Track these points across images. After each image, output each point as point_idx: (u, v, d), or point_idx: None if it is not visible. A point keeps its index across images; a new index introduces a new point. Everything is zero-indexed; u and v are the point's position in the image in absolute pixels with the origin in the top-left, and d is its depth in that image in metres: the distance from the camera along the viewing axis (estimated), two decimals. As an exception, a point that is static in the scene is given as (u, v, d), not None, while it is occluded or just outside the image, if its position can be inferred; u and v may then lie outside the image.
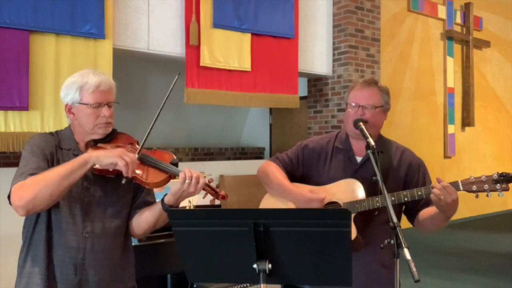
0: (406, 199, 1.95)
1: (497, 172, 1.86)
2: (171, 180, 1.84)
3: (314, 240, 1.46)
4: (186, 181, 1.72)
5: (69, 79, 1.82)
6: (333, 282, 1.54)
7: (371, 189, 2.00)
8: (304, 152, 2.23)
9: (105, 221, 1.81)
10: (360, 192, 2.01)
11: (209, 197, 1.84)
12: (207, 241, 1.51)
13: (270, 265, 1.46)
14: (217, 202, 1.92)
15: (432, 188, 1.87)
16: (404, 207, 2.13)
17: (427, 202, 2.02)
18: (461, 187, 1.88)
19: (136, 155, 1.71)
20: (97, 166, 1.72)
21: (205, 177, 1.82)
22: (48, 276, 1.74)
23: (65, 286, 1.74)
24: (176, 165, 1.83)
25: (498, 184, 1.85)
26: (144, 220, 1.87)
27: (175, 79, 1.83)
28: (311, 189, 2.11)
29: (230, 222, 1.47)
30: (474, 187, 1.88)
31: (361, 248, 2.00)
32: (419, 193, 1.93)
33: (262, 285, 1.47)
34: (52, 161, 1.75)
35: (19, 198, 1.59)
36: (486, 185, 1.86)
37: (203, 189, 1.79)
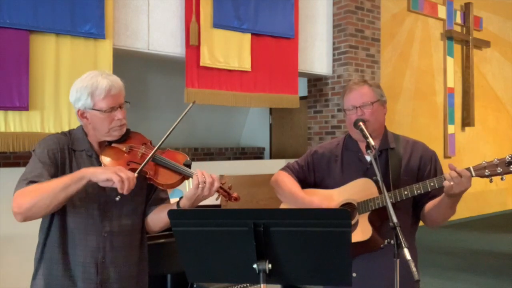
0: (419, 191, 1.92)
1: (510, 155, 1.83)
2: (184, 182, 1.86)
3: (314, 240, 1.46)
4: (200, 186, 1.75)
5: (77, 83, 1.80)
6: (333, 282, 1.54)
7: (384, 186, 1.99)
8: (314, 158, 2.26)
9: (122, 219, 1.84)
10: (372, 190, 2.00)
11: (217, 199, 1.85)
12: (207, 241, 1.51)
13: (270, 265, 1.46)
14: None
15: (445, 178, 1.83)
16: (414, 202, 2.09)
17: (434, 195, 1.99)
18: (473, 173, 1.84)
19: (136, 174, 1.69)
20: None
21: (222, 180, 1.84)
22: (67, 276, 1.76)
23: (88, 285, 1.77)
24: (189, 166, 1.83)
25: None
26: (161, 219, 1.91)
27: (190, 105, 1.83)
28: (323, 196, 2.12)
29: (230, 222, 1.47)
30: (487, 172, 1.83)
31: (379, 246, 1.94)
32: (432, 184, 1.90)
33: (262, 285, 1.47)
34: (62, 164, 1.77)
35: (17, 205, 1.62)
36: (500, 168, 1.82)
37: (217, 191, 1.80)
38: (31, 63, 3.87)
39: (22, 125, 3.83)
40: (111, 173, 1.61)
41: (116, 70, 4.24)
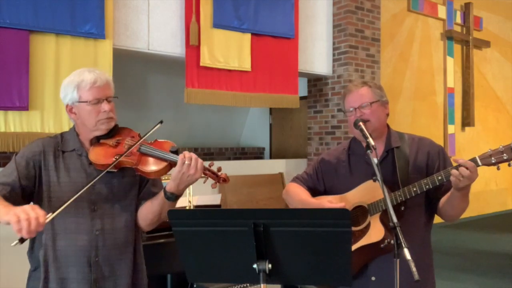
0: (427, 186, 1.91)
1: None
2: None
3: (314, 240, 1.46)
4: (186, 162, 1.70)
5: (66, 80, 1.84)
6: (333, 282, 1.54)
7: (393, 186, 1.99)
8: (321, 165, 2.26)
9: (114, 216, 1.83)
10: (380, 190, 1.98)
11: (209, 185, 1.80)
12: (207, 241, 1.51)
13: (270, 265, 1.46)
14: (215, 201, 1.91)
15: (451, 169, 1.82)
16: (427, 199, 2.07)
17: (448, 189, 1.97)
18: (479, 162, 1.84)
19: (47, 218, 1.53)
20: (97, 163, 1.75)
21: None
22: (61, 278, 1.76)
23: (82, 285, 1.76)
24: (176, 152, 1.79)
25: None
26: (148, 209, 1.87)
27: (157, 125, 1.85)
28: (331, 199, 2.11)
29: (230, 222, 1.47)
30: (493, 159, 1.84)
31: (392, 248, 1.90)
32: (439, 177, 1.89)
33: (262, 285, 1.47)
34: (46, 166, 1.79)
35: None
36: (505, 154, 1.83)
37: (204, 173, 1.76)
38: (31, 63, 3.86)
39: (22, 125, 3.83)
40: (12, 214, 1.47)
41: (116, 70, 4.25)
